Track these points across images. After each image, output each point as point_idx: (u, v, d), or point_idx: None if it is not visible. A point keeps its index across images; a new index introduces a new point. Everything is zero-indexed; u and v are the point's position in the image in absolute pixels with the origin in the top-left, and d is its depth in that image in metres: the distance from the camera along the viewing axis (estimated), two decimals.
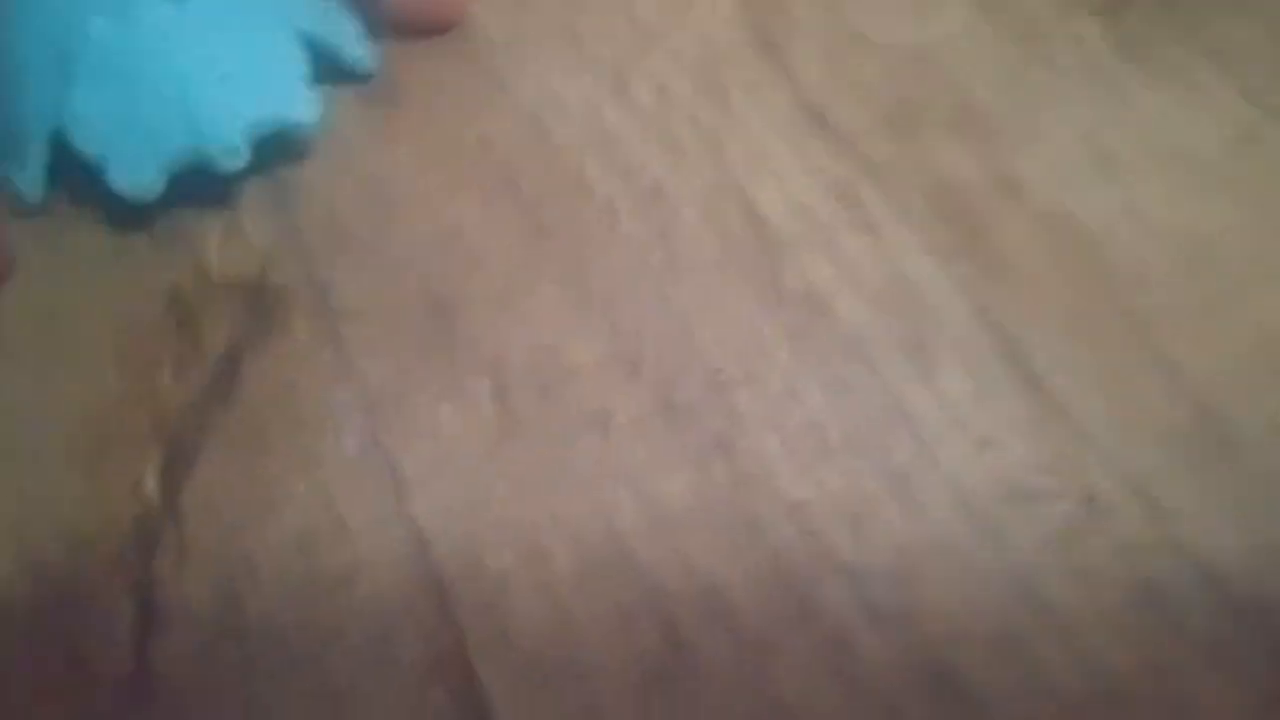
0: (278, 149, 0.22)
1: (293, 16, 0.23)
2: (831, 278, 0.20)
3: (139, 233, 0.22)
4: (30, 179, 0.22)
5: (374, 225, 0.22)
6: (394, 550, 0.17)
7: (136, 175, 0.21)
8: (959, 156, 0.22)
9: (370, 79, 0.24)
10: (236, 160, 0.21)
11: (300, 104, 0.22)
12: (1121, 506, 0.18)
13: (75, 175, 0.22)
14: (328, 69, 0.23)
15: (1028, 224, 0.21)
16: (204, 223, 0.22)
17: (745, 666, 0.16)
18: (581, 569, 0.17)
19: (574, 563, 0.17)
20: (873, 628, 0.16)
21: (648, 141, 0.22)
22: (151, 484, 0.18)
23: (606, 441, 0.18)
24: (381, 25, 0.24)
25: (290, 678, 0.16)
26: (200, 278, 0.21)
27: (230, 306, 0.21)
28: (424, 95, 0.24)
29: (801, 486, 0.18)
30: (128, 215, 0.22)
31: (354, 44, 0.24)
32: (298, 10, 0.24)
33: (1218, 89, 0.23)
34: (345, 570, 0.17)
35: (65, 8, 0.22)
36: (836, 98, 0.23)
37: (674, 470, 0.18)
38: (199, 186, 0.22)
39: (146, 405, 0.19)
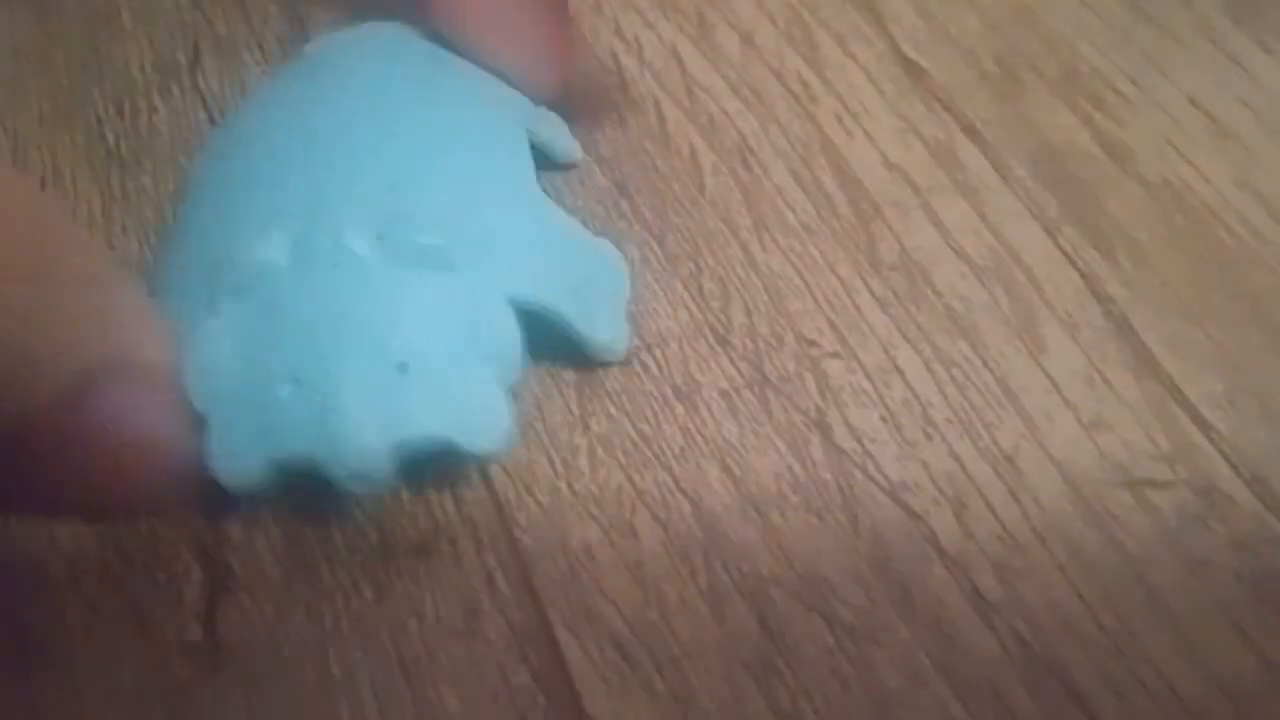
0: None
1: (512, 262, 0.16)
2: (930, 244, 0.19)
3: None
4: None
5: None
6: (474, 520, 0.16)
7: (235, 455, 0.15)
8: (1065, 119, 0.21)
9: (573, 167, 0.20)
10: (368, 486, 0.14)
11: (484, 422, 0.15)
12: (1239, 497, 0.17)
13: None
14: None
15: (1138, 193, 0.20)
16: None
17: (843, 655, 0.15)
18: (670, 547, 0.16)
19: (661, 541, 0.16)
20: (978, 617, 0.16)
21: (734, 94, 0.21)
22: None
23: (695, 415, 0.17)
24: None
25: (366, 650, 0.15)
26: None
27: None
28: None
29: (902, 467, 0.17)
30: None
31: (564, 136, 0.20)
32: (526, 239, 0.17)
33: None
34: (423, 539, 0.16)
35: (244, 215, 0.16)
36: (934, 53, 0.22)
37: (767, 447, 0.17)
38: None
39: None
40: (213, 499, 0.15)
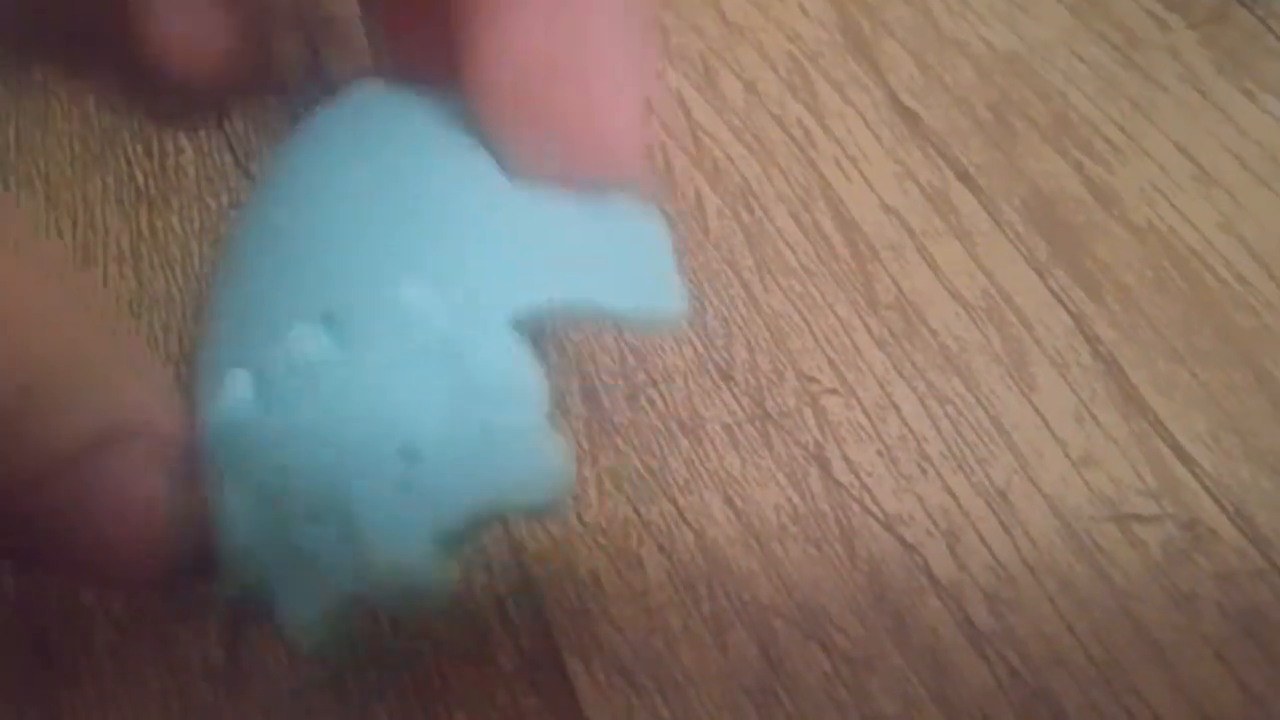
0: None
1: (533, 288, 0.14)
2: (926, 285, 0.20)
3: None
4: None
5: None
6: (486, 549, 0.17)
7: (305, 618, 0.13)
8: (1055, 165, 0.22)
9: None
10: (430, 601, 0.13)
11: (538, 473, 0.13)
12: (1223, 531, 0.17)
13: None
14: None
15: (1126, 238, 0.21)
16: None
17: (840, 683, 0.16)
18: (674, 577, 0.17)
19: (666, 570, 0.17)
20: (971, 647, 0.16)
21: (737, 140, 0.22)
22: None
23: (699, 448, 0.18)
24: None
25: (383, 675, 0.16)
26: None
27: None
28: None
29: (898, 500, 0.17)
30: None
31: (666, 294, 0.15)
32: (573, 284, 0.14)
33: None
34: None
35: (249, 329, 0.14)
36: (930, 101, 0.22)
37: (767, 480, 0.18)
38: None
39: None
40: (213, 569, 0.14)
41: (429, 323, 0.13)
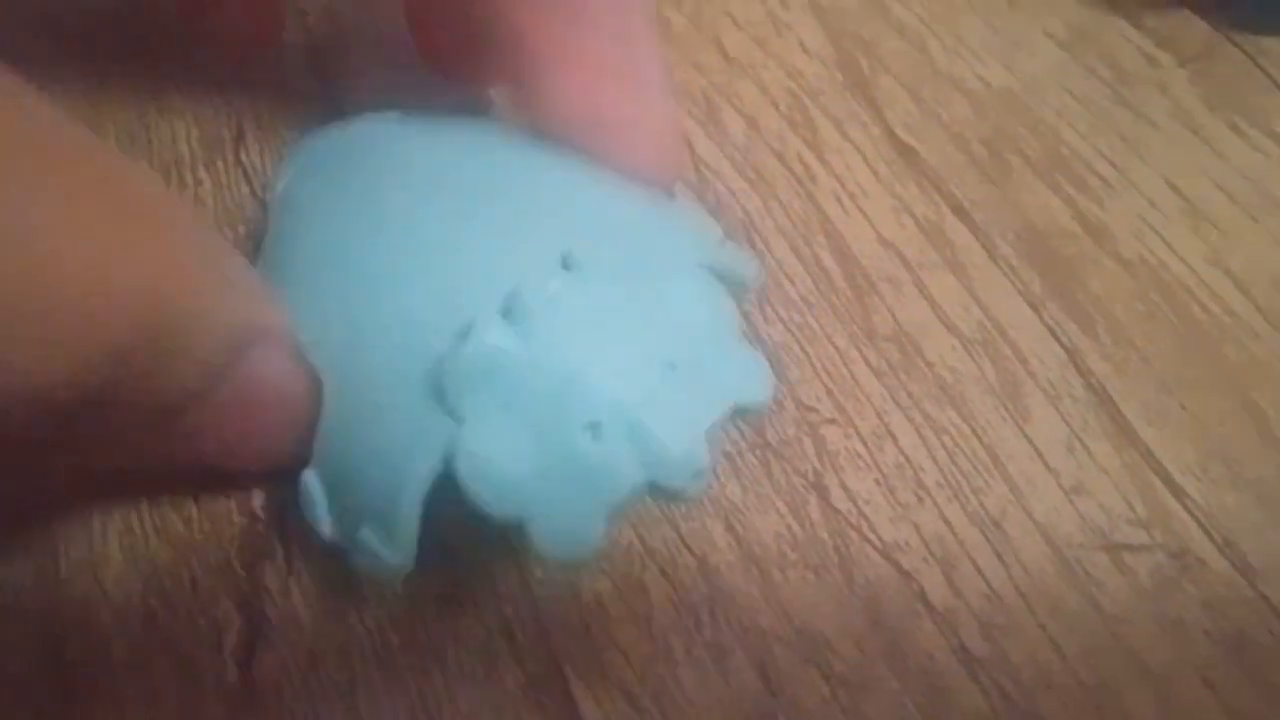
0: None
1: (692, 249, 0.17)
2: (922, 318, 0.20)
3: None
4: (400, 546, 0.15)
5: None
6: (494, 574, 0.17)
7: (574, 533, 0.15)
8: (1048, 200, 0.22)
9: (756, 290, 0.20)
10: (702, 482, 0.15)
11: (755, 376, 0.16)
12: (1211, 560, 0.18)
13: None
14: None
15: (1117, 271, 0.21)
16: None
17: (837, 706, 0.16)
18: (677, 602, 0.17)
19: (669, 596, 0.17)
20: (966, 673, 0.17)
21: (739, 174, 0.23)
22: (259, 498, 0.18)
23: None
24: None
25: (392, 695, 0.16)
26: None
27: None
28: None
29: (895, 528, 0.18)
30: None
31: (744, 261, 0.18)
32: (693, 239, 0.18)
33: None
34: (447, 591, 0.17)
35: (432, 319, 0.15)
36: (926, 136, 0.23)
37: (767, 507, 0.18)
38: None
39: None
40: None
41: (641, 268, 0.16)
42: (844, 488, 0.18)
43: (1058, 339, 0.20)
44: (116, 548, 0.18)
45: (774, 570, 0.18)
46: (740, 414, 0.15)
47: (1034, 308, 0.21)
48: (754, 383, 0.15)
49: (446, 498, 0.15)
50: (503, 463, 0.14)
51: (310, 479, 0.16)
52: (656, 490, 0.15)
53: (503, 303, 0.15)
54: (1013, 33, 0.25)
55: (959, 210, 0.22)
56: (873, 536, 0.18)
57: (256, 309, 0.15)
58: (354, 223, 0.17)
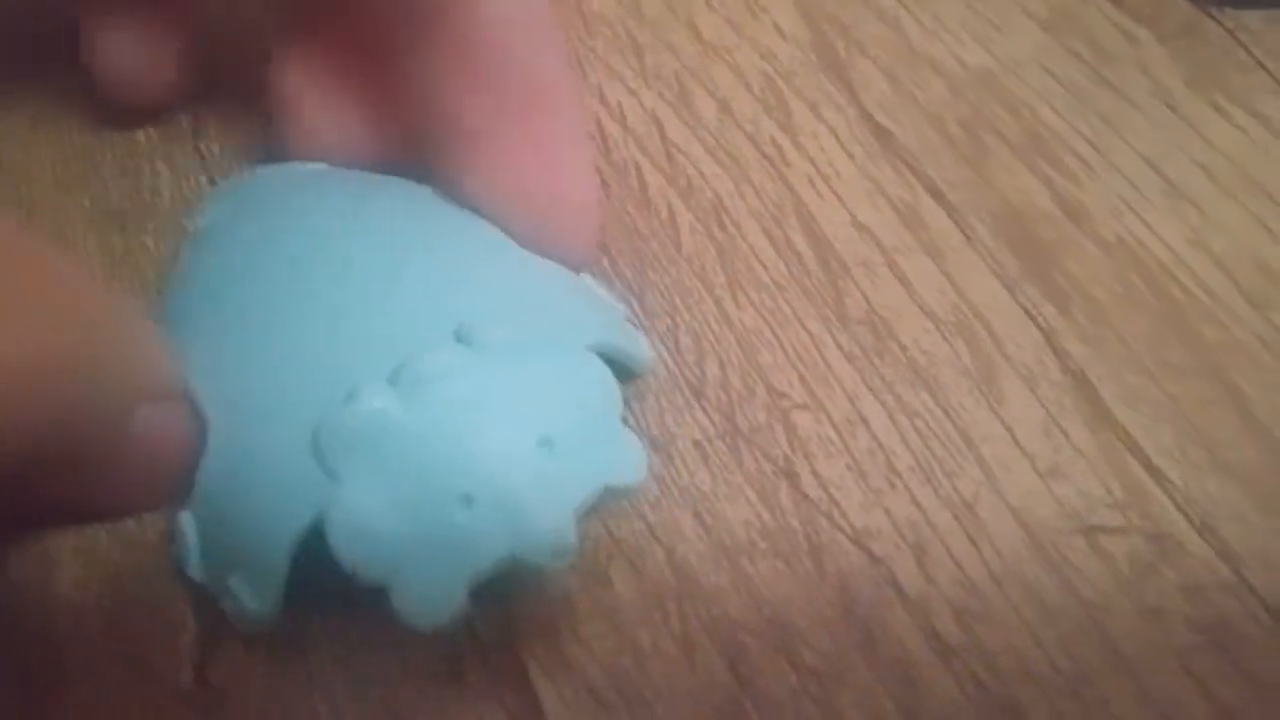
0: None
1: (588, 330, 0.17)
2: (896, 301, 0.20)
3: None
4: (266, 596, 0.15)
5: None
6: None
7: (434, 599, 0.15)
8: (1025, 181, 0.22)
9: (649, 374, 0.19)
10: (568, 558, 0.15)
11: (630, 459, 0.16)
12: (1190, 544, 0.17)
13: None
14: None
15: (1095, 252, 0.21)
16: None
17: (808, 697, 0.16)
18: (644, 594, 0.17)
19: (636, 588, 0.17)
20: (939, 661, 0.16)
21: (711, 158, 0.22)
22: None
23: (670, 465, 0.18)
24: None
25: (352, 694, 0.16)
26: None
27: None
28: None
29: (866, 514, 0.18)
30: None
31: (638, 345, 0.19)
32: (592, 320, 0.18)
33: None
34: None
35: (322, 379, 0.16)
36: (902, 118, 0.23)
37: (737, 496, 0.18)
38: None
39: None
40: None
41: (533, 346, 0.16)
42: (815, 474, 0.18)
43: (1034, 321, 0.20)
44: (69, 550, 0.17)
45: (743, 560, 0.17)
46: (613, 495, 0.15)
47: (1010, 289, 0.20)
48: (629, 465, 0.16)
49: (320, 554, 0.15)
50: (372, 525, 0.15)
51: (185, 519, 0.16)
52: (520, 565, 0.15)
53: (392, 370, 0.15)
54: (992, 13, 0.25)
55: (935, 192, 0.22)
56: (844, 523, 0.17)
57: (149, 371, 0.16)
58: (262, 273, 0.18)
